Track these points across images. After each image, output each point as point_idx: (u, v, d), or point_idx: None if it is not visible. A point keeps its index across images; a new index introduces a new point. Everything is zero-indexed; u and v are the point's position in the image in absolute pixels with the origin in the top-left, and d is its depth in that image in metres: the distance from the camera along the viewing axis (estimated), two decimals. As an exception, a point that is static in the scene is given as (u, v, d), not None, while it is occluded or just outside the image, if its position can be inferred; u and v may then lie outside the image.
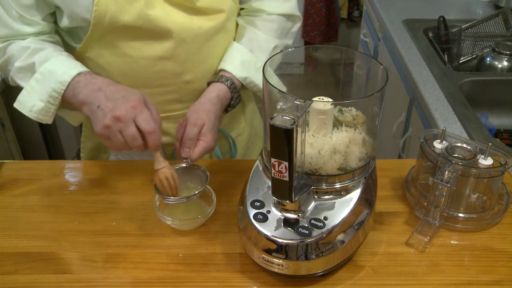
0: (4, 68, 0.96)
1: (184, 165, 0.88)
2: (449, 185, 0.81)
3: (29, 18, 0.91)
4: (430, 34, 1.80)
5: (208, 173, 0.88)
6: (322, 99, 0.76)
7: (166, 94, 1.02)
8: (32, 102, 0.90)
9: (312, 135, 0.76)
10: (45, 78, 0.88)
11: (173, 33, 0.94)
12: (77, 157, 1.26)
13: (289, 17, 1.10)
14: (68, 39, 0.99)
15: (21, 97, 0.92)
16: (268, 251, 0.73)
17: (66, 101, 0.89)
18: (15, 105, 0.93)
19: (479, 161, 0.84)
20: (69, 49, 0.99)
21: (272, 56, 0.80)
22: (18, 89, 0.95)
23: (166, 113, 1.04)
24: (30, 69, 0.91)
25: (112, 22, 0.89)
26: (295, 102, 0.66)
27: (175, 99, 1.03)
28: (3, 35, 0.93)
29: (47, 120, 0.93)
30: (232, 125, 1.19)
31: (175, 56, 0.97)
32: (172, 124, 1.06)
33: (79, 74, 0.87)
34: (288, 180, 0.68)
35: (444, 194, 0.82)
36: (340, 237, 0.74)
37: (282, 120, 0.63)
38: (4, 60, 0.95)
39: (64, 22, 0.92)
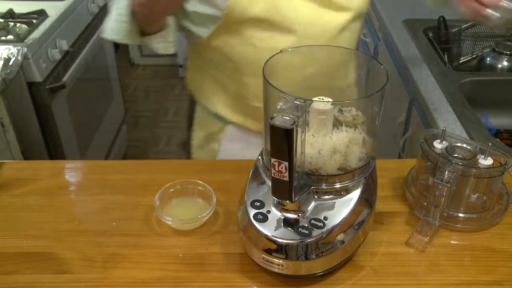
0: None
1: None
2: (449, 185, 0.81)
3: None
4: (430, 34, 1.79)
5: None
6: (322, 99, 0.76)
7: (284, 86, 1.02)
8: (110, 26, 0.95)
9: (312, 135, 0.76)
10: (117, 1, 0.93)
11: (298, 27, 0.96)
12: (183, 147, 1.30)
13: None
14: (194, 28, 1.02)
15: (104, 24, 0.96)
16: (268, 251, 0.73)
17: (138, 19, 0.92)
18: (102, 34, 0.97)
19: (479, 161, 0.84)
20: (195, 39, 1.03)
21: (273, 56, 0.80)
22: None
23: None
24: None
25: (242, 13, 0.92)
26: (295, 102, 0.66)
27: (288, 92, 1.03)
28: None
29: (128, 40, 0.95)
30: None
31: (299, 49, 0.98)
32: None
33: None
34: (288, 180, 0.68)
35: (444, 194, 0.82)
36: (340, 237, 0.74)
37: (282, 120, 0.63)
38: None
39: (193, 7, 0.95)
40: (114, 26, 0.94)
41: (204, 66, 1.11)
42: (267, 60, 0.77)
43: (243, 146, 1.18)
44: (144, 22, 0.94)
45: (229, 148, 1.19)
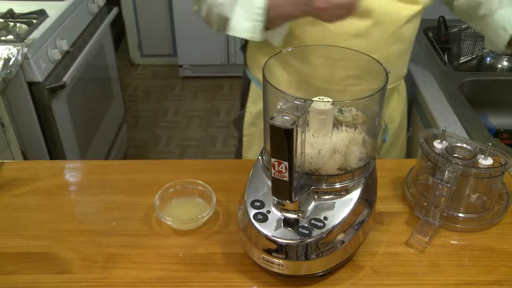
0: (210, 9, 1.08)
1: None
2: (449, 185, 0.81)
3: None
4: (430, 34, 1.79)
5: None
6: (322, 99, 0.76)
7: (347, 69, 1.02)
8: (242, 25, 1.01)
9: (312, 135, 0.76)
10: (247, 2, 0.99)
11: (373, 13, 1.00)
12: (235, 125, 1.38)
13: None
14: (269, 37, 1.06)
15: (232, 23, 1.02)
16: (268, 251, 0.73)
17: (270, 18, 0.99)
18: (230, 32, 1.03)
19: (479, 161, 0.84)
20: None
21: (273, 56, 0.80)
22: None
23: (341, 86, 1.06)
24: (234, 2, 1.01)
25: None
26: (295, 102, 0.66)
27: (354, 75, 1.04)
28: None
29: (257, 37, 1.02)
30: (386, 111, 1.26)
31: (369, 35, 1.03)
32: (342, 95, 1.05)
33: None
34: (288, 180, 0.68)
35: (444, 194, 0.82)
36: (340, 237, 0.74)
37: (282, 120, 0.63)
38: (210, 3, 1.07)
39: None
40: (248, 25, 1.00)
41: (269, 44, 1.12)
42: (267, 60, 0.77)
43: None
44: (276, 21, 1.00)
45: None
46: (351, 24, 1.01)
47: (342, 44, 0.98)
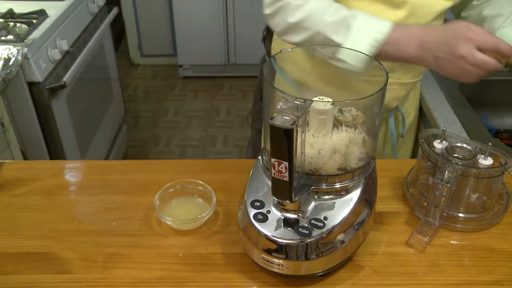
0: (301, 23, 0.98)
1: None
2: (449, 185, 0.81)
3: None
4: (430, 34, 1.79)
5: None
6: (322, 99, 0.76)
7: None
8: (355, 53, 0.91)
9: (312, 135, 0.76)
10: (364, 31, 0.92)
11: (407, 4, 1.00)
12: (247, 119, 1.37)
13: None
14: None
15: (345, 51, 0.93)
16: (268, 251, 0.73)
17: (383, 52, 0.92)
18: (340, 56, 0.93)
19: (479, 161, 0.84)
20: None
21: (273, 56, 0.80)
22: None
23: (368, 76, 0.98)
24: (344, 24, 0.93)
25: None
26: (295, 102, 0.66)
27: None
28: None
29: (362, 68, 0.93)
30: (404, 105, 1.27)
31: None
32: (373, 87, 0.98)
33: (391, 28, 0.91)
34: (288, 180, 0.67)
35: (444, 194, 0.82)
36: (340, 237, 0.74)
37: (282, 120, 0.63)
38: (305, 16, 0.97)
39: None
40: (360, 56, 0.91)
41: None
42: (267, 60, 0.77)
43: None
44: (383, 58, 0.92)
45: None
46: (386, 14, 1.00)
47: None
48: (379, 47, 0.91)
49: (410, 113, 1.33)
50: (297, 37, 0.99)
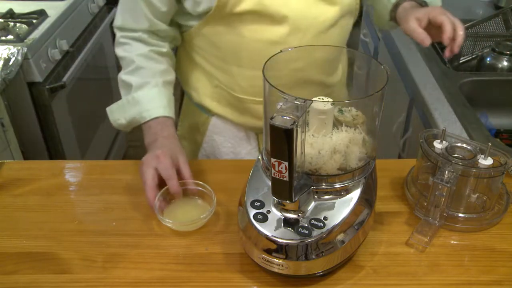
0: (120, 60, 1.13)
1: None
2: (449, 185, 0.81)
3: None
4: (430, 34, 1.79)
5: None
6: (322, 99, 0.76)
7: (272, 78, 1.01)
8: (118, 117, 1.08)
9: (312, 135, 0.76)
10: (134, 105, 1.04)
11: (289, 19, 0.97)
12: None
13: None
14: (184, 19, 1.05)
15: (113, 107, 1.09)
16: (268, 251, 0.73)
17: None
18: (108, 109, 1.09)
19: (479, 161, 0.84)
20: (184, 28, 1.08)
21: (273, 56, 0.80)
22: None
23: None
24: (128, 88, 1.06)
25: (232, 7, 0.94)
26: (295, 102, 0.66)
27: (278, 84, 1.02)
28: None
29: (127, 130, 1.12)
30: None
31: (288, 42, 0.99)
32: None
33: (157, 118, 1.03)
34: (288, 180, 0.67)
35: (444, 194, 0.82)
36: (340, 237, 0.74)
37: (282, 120, 0.63)
38: (120, 57, 1.12)
39: (188, 4, 0.99)
40: (123, 123, 1.09)
41: (192, 53, 1.12)
42: (267, 61, 0.77)
43: (226, 139, 1.18)
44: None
45: (212, 140, 1.20)
46: (266, 31, 0.98)
47: (262, 52, 0.95)
48: (140, 122, 1.07)
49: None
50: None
